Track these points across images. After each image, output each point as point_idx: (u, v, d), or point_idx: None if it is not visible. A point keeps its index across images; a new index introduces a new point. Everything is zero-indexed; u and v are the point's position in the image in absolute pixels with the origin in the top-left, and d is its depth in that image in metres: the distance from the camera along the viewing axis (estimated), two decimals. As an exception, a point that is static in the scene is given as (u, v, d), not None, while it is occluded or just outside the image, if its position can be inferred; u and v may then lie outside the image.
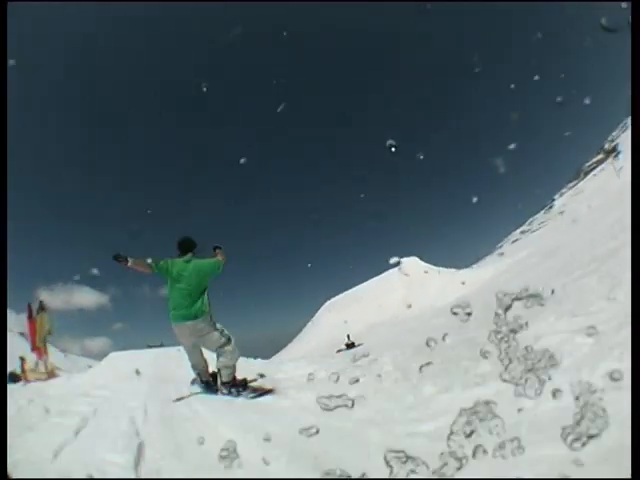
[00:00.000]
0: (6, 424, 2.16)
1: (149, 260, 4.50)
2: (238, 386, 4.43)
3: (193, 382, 4.92)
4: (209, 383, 4.74)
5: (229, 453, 1.64)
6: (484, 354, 1.81)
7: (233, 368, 4.49)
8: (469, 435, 1.28)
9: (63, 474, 1.88)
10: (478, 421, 1.29)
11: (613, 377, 1.60)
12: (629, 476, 1.27)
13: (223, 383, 4.51)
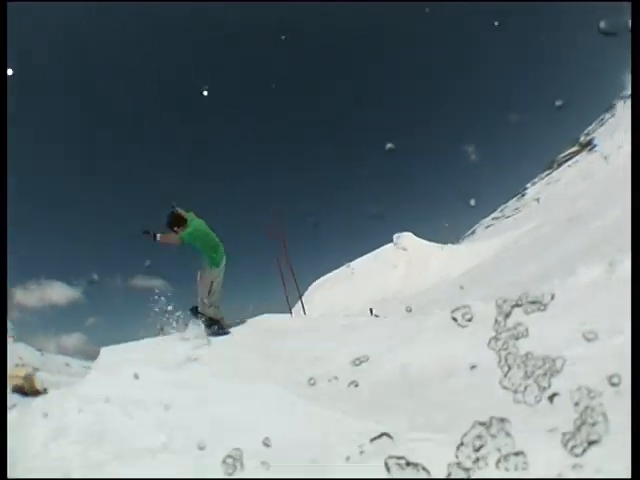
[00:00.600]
0: (6, 424, 2.17)
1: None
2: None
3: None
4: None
5: (234, 461, 1.65)
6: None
7: None
8: (478, 449, 1.30)
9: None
10: (489, 437, 1.30)
11: (612, 382, 1.62)
12: (629, 476, 1.28)
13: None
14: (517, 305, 1.62)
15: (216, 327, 5.12)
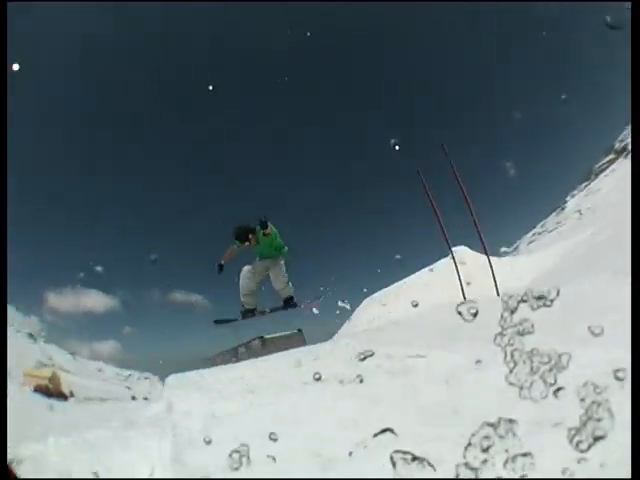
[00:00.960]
0: (6, 424, 2.19)
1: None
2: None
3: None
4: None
5: (240, 456, 1.66)
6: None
7: None
8: (486, 450, 1.30)
9: None
10: (497, 437, 1.30)
11: (617, 376, 1.62)
12: (629, 476, 1.28)
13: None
14: (523, 301, 1.61)
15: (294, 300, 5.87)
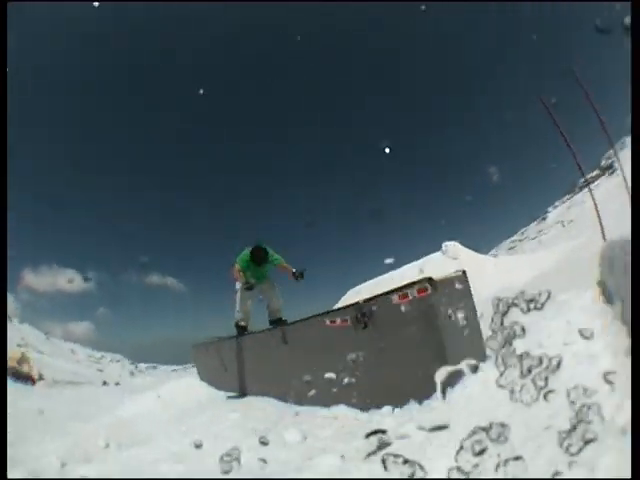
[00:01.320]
0: (6, 424, 2.17)
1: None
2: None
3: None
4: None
5: (231, 459, 1.65)
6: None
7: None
8: (478, 454, 1.30)
9: None
10: (489, 441, 1.31)
11: (607, 379, 1.63)
12: (629, 476, 1.29)
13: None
14: (513, 304, 1.62)
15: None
